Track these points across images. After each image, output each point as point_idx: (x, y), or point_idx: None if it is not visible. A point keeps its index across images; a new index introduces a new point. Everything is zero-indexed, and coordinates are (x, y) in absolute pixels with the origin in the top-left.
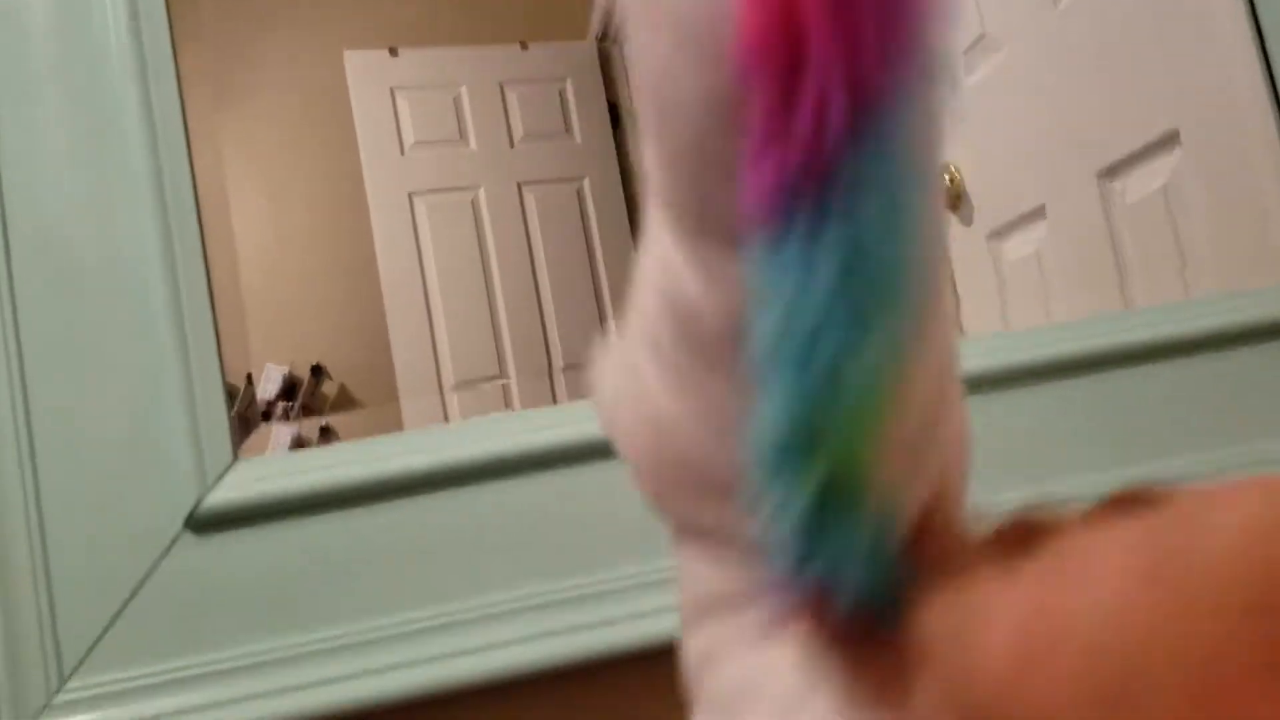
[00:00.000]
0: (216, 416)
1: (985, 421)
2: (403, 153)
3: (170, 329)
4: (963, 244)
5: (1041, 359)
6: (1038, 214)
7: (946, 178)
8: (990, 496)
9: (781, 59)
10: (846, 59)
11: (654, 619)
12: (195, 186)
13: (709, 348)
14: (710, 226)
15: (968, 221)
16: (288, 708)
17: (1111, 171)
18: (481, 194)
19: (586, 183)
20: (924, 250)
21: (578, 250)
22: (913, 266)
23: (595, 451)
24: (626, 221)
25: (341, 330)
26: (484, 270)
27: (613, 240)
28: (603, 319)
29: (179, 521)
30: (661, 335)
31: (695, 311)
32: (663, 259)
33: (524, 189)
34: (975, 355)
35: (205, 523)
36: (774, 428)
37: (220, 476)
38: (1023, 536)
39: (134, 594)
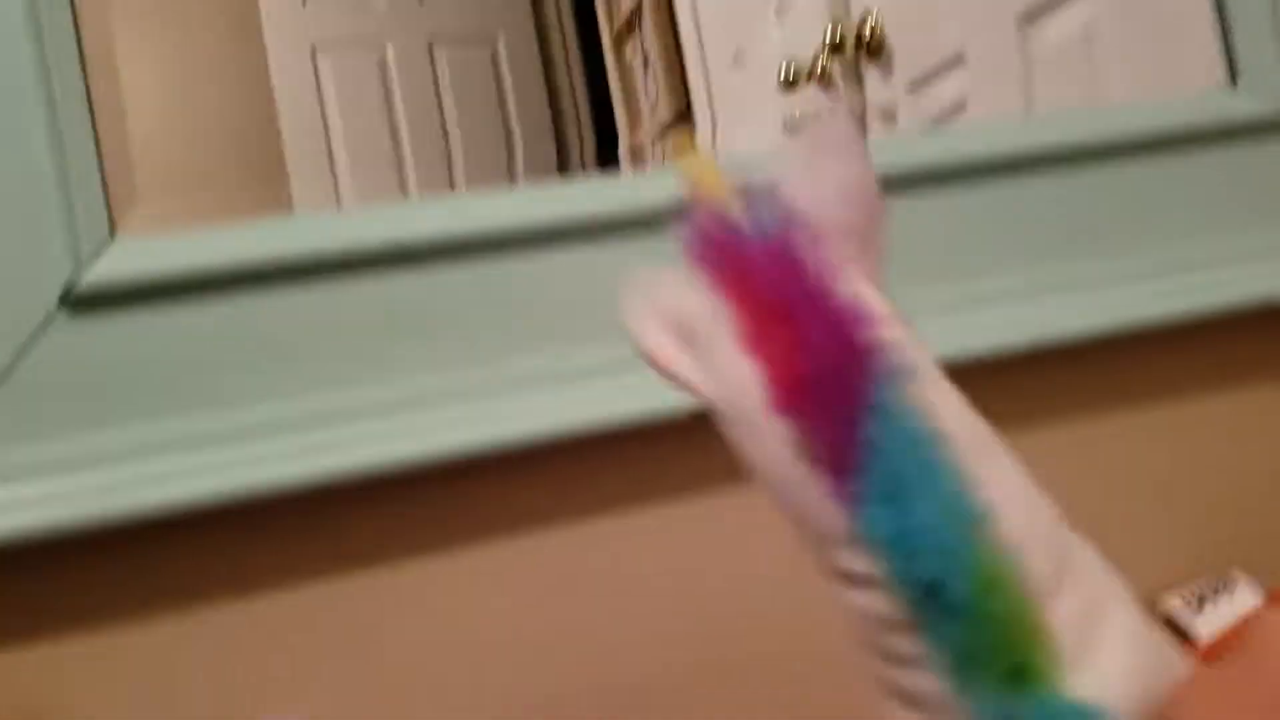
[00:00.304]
0: (92, 190)
1: (906, 222)
2: (304, 4)
3: (38, 95)
4: (883, 93)
5: (957, 159)
6: (957, 61)
7: (868, 27)
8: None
9: (796, 407)
10: (835, 391)
11: (558, 408)
12: None
13: (895, 637)
14: (834, 542)
15: (887, 71)
16: (160, 495)
17: (1031, 14)
18: (389, 51)
19: (501, 43)
20: (963, 465)
21: (492, 114)
22: (957, 479)
23: (489, 244)
24: (543, 84)
25: (240, 193)
26: (392, 134)
27: (528, 103)
28: (515, 183)
29: (53, 300)
30: (874, 645)
31: (871, 615)
32: (840, 601)
33: (434, 48)
34: (890, 153)
35: (80, 302)
36: (955, 666)
37: (96, 254)
38: None
39: (5, 375)
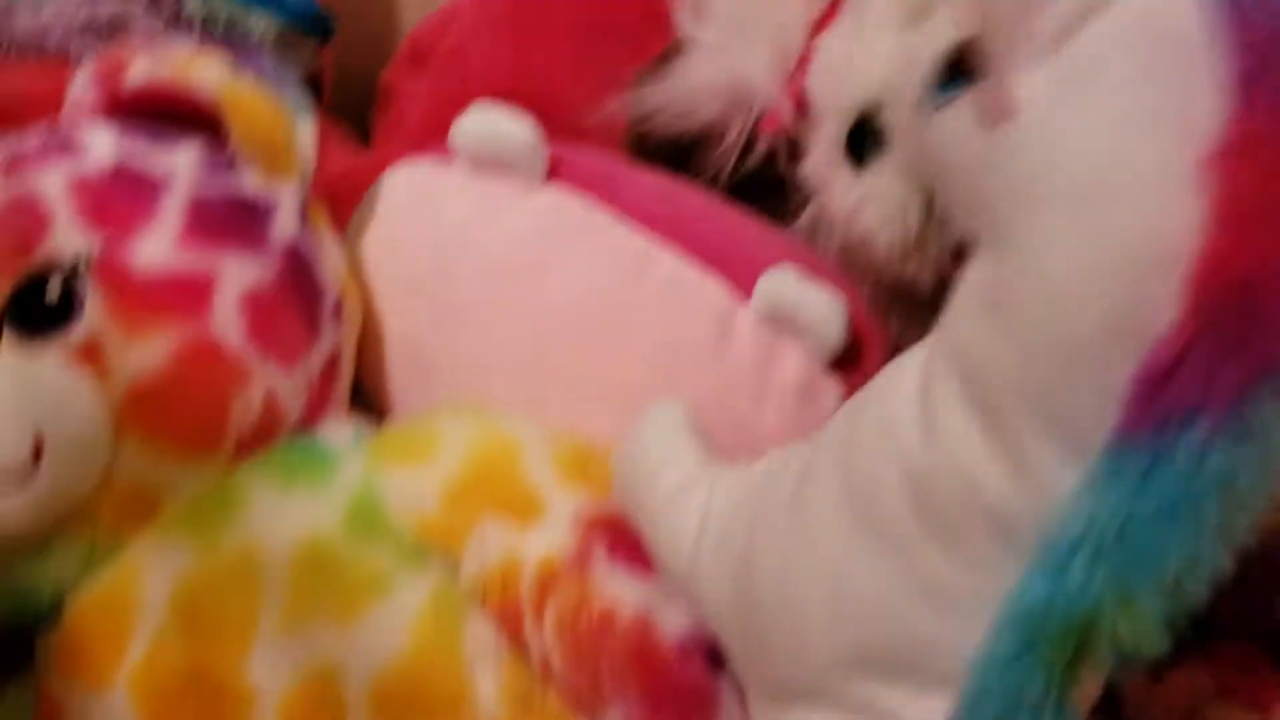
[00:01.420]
0: None
1: None
2: None
3: None
4: None
5: None
6: None
7: None
8: None
9: (1231, 303)
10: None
11: None
12: None
13: (968, 525)
14: (1054, 424)
15: None
16: None
17: None
18: None
19: None
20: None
21: None
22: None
23: None
24: None
25: None
26: None
27: None
28: None
29: None
30: (896, 509)
31: (975, 490)
32: (945, 436)
33: None
34: None
35: None
36: (1053, 608)
37: None
38: None
39: None
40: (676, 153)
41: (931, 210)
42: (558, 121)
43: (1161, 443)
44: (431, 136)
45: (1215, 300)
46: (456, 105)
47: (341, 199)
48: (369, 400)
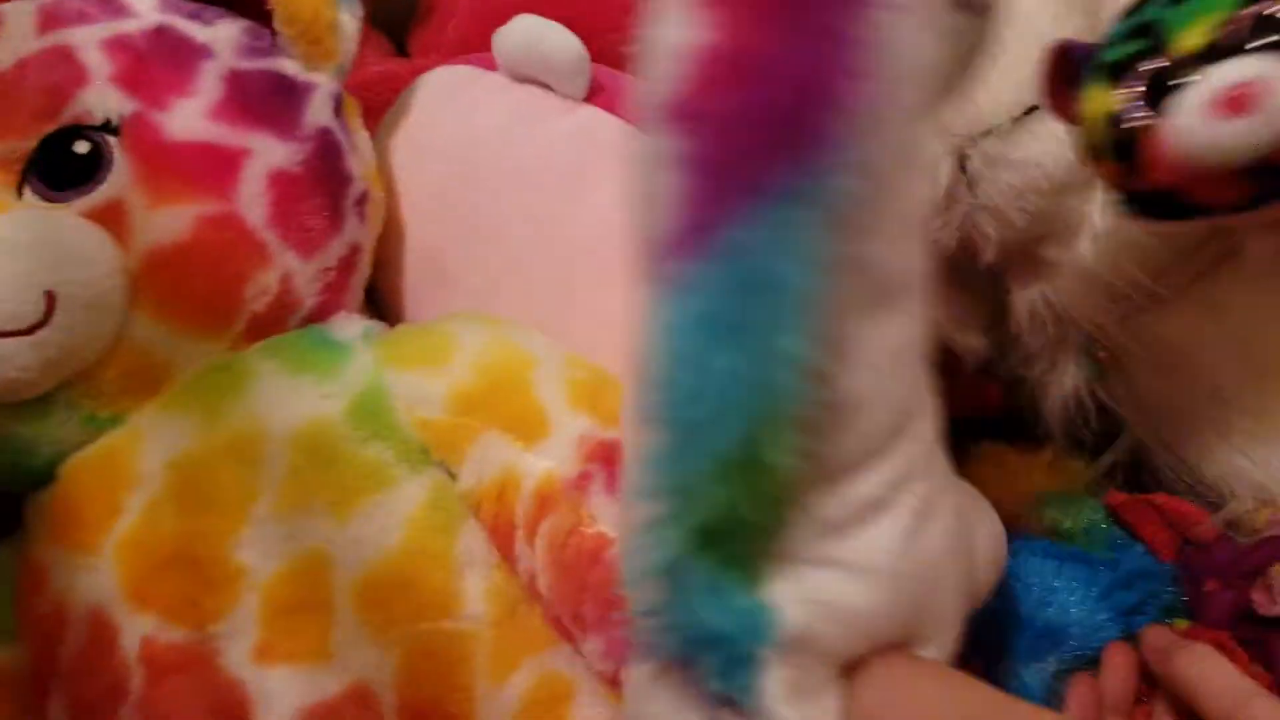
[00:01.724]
0: None
1: None
2: None
3: None
4: None
5: None
6: None
7: None
8: None
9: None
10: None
11: None
12: None
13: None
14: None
15: None
16: None
17: None
18: None
19: None
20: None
21: None
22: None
23: None
24: None
25: None
26: None
27: None
28: None
29: None
30: None
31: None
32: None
33: None
34: None
35: None
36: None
37: None
38: None
39: None
40: None
41: (963, 169)
42: (596, 51)
43: (657, 284)
44: (468, 50)
45: (691, 140)
46: (495, 20)
47: (375, 102)
48: (383, 306)
